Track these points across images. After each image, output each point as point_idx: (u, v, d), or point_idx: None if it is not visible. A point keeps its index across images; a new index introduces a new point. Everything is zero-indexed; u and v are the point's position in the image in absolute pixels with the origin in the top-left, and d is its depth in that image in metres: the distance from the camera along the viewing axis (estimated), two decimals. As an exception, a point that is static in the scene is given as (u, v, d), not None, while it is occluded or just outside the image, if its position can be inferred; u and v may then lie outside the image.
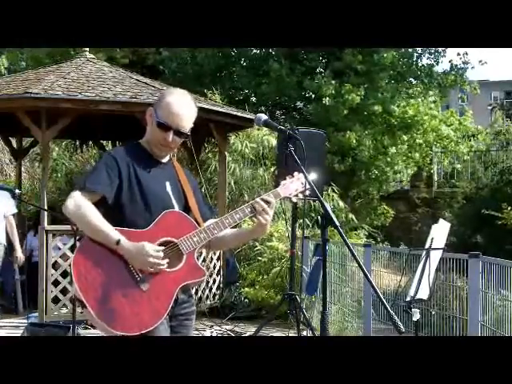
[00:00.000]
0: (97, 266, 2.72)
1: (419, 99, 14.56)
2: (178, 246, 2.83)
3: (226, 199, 9.64)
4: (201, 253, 8.32)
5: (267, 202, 2.95)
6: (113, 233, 2.74)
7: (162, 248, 2.78)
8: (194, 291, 8.46)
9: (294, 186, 3.06)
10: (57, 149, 13.73)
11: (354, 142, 13.66)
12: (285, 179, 3.08)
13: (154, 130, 2.94)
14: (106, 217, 2.78)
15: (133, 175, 2.86)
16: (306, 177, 2.96)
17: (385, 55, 13.75)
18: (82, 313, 7.31)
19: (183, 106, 2.93)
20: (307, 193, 3.08)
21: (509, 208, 11.81)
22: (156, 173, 2.94)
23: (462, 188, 15.74)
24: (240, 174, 10.94)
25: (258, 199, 2.96)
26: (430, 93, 14.96)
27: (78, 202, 2.76)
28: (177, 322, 2.90)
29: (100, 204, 2.81)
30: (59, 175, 13.82)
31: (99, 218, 2.75)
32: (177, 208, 2.93)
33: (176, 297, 2.83)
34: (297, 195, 3.07)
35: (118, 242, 2.72)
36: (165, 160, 3.02)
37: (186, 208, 2.99)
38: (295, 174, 3.07)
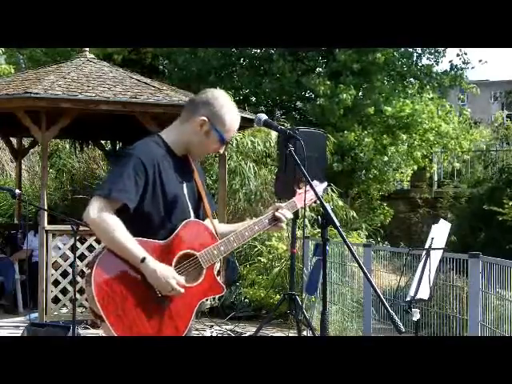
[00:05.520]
0: (118, 281, 2.67)
1: (416, 98, 14.55)
2: (199, 259, 2.81)
3: (226, 198, 9.64)
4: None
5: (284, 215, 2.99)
6: (138, 250, 2.67)
7: (184, 280, 2.75)
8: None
9: (309, 194, 3.04)
10: (67, 146, 13.74)
11: (354, 141, 13.67)
12: (299, 187, 3.09)
13: (210, 142, 2.88)
14: (127, 222, 2.70)
15: (158, 182, 2.77)
16: (306, 177, 2.95)
17: (379, 54, 13.71)
18: (82, 313, 7.35)
19: (238, 121, 2.94)
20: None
21: (510, 203, 11.79)
22: (177, 175, 2.87)
23: (462, 188, 15.73)
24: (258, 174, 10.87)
25: (276, 212, 2.98)
26: (427, 88, 14.94)
27: (102, 215, 2.66)
28: None
29: (122, 210, 2.72)
30: (64, 175, 13.85)
31: (123, 233, 2.67)
32: (192, 212, 2.89)
33: None
34: (311, 204, 3.10)
35: (142, 260, 2.66)
36: (183, 154, 2.94)
37: (198, 205, 2.96)
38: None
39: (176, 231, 2.78)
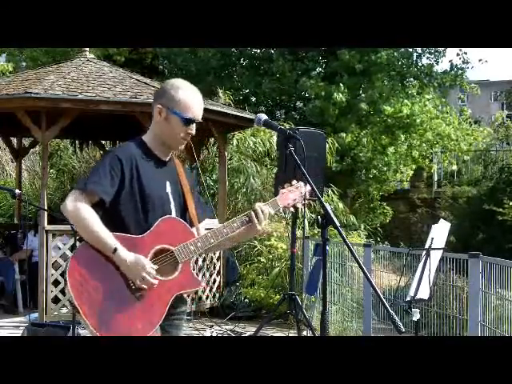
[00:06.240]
0: (92, 272, 2.70)
1: (416, 98, 14.55)
2: (174, 254, 2.82)
3: (227, 198, 9.64)
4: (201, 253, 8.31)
5: (264, 212, 2.95)
6: (110, 240, 2.71)
7: (156, 267, 2.76)
8: (194, 291, 8.45)
9: (293, 195, 3.03)
10: (68, 146, 13.74)
11: (352, 141, 13.67)
12: (283, 187, 3.06)
13: (173, 127, 2.88)
14: (104, 219, 2.75)
15: (135, 177, 2.82)
16: (306, 177, 2.94)
17: (380, 54, 13.70)
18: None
19: (198, 96, 2.92)
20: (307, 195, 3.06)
21: (510, 203, 11.82)
22: (158, 173, 2.91)
23: (462, 188, 15.76)
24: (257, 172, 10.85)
25: (256, 208, 2.96)
26: (427, 90, 14.94)
27: (77, 204, 2.72)
28: (167, 321, 2.87)
29: (99, 205, 2.77)
30: (65, 175, 13.84)
31: (97, 223, 2.72)
32: (174, 211, 2.91)
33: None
34: (295, 205, 3.05)
35: (114, 251, 2.70)
36: (167, 158, 2.98)
37: (184, 209, 2.98)
38: (294, 182, 3.05)
39: (153, 226, 2.81)
